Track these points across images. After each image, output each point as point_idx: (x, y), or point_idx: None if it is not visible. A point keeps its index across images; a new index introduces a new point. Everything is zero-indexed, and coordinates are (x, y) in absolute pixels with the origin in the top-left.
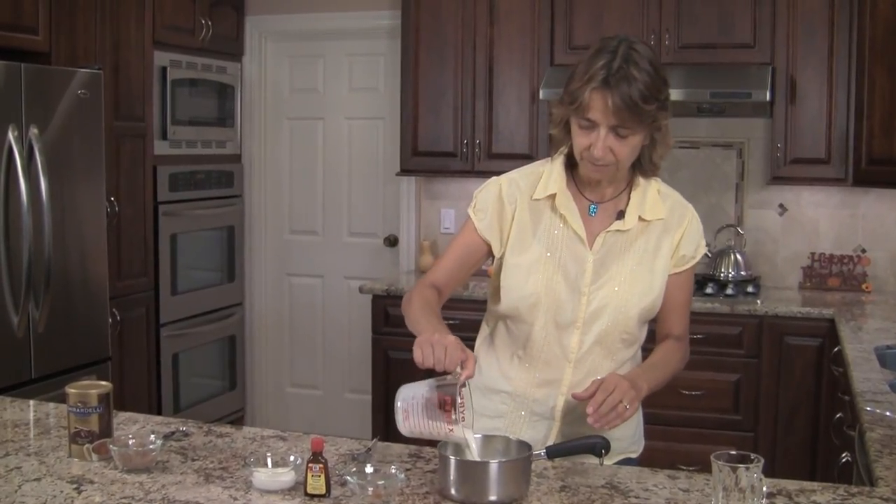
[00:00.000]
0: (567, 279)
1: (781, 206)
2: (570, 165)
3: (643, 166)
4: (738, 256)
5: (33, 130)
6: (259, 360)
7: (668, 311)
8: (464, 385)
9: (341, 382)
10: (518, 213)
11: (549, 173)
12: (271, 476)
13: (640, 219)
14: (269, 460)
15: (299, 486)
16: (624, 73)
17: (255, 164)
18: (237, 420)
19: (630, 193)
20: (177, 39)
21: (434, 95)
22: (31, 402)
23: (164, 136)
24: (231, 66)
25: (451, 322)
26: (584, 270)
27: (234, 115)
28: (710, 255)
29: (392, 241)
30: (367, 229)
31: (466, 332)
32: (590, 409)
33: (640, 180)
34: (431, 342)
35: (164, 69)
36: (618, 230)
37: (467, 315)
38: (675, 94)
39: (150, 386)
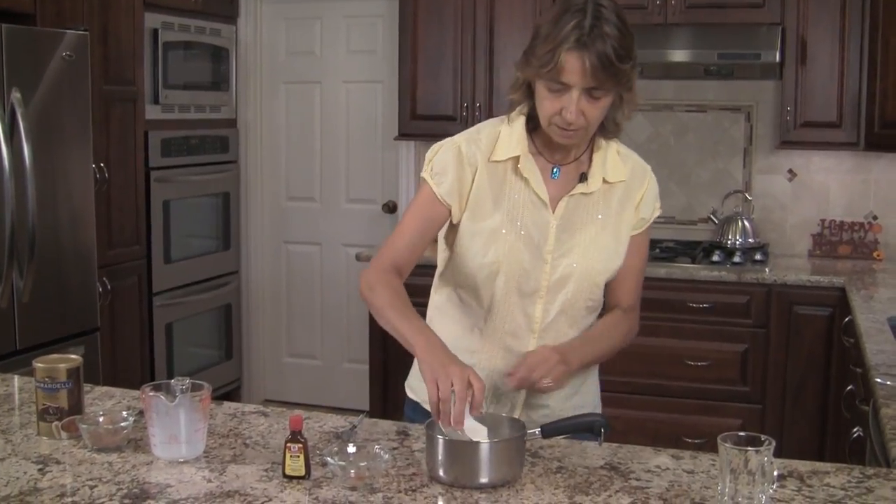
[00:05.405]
0: (529, 246)
1: (791, 171)
2: (529, 127)
3: (606, 128)
4: (746, 223)
5: (16, 94)
6: (255, 330)
7: (621, 277)
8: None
9: (339, 352)
10: (478, 176)
11: (509, 134)
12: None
13: (604, 181)
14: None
15: (277, 467)
16: (598, 31)
17: (250, 128)
18: (233, 391)
19: (592, 155)
20: (169, 1)
21: (433, 57)
22: (15, 377)
23: (155, 101)
24: (225, 29)
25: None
26: (546, 236)
27: (229, 79)
28: (716, 221)
29: (391, 208)
30: (366, 195)
31: None
32: (513, 383)
33: (602, 142)
34: (447, 374)
35: (155, 31)
36: (582, 193)
37: None
38: (682, 56)
39: (143, 357)
